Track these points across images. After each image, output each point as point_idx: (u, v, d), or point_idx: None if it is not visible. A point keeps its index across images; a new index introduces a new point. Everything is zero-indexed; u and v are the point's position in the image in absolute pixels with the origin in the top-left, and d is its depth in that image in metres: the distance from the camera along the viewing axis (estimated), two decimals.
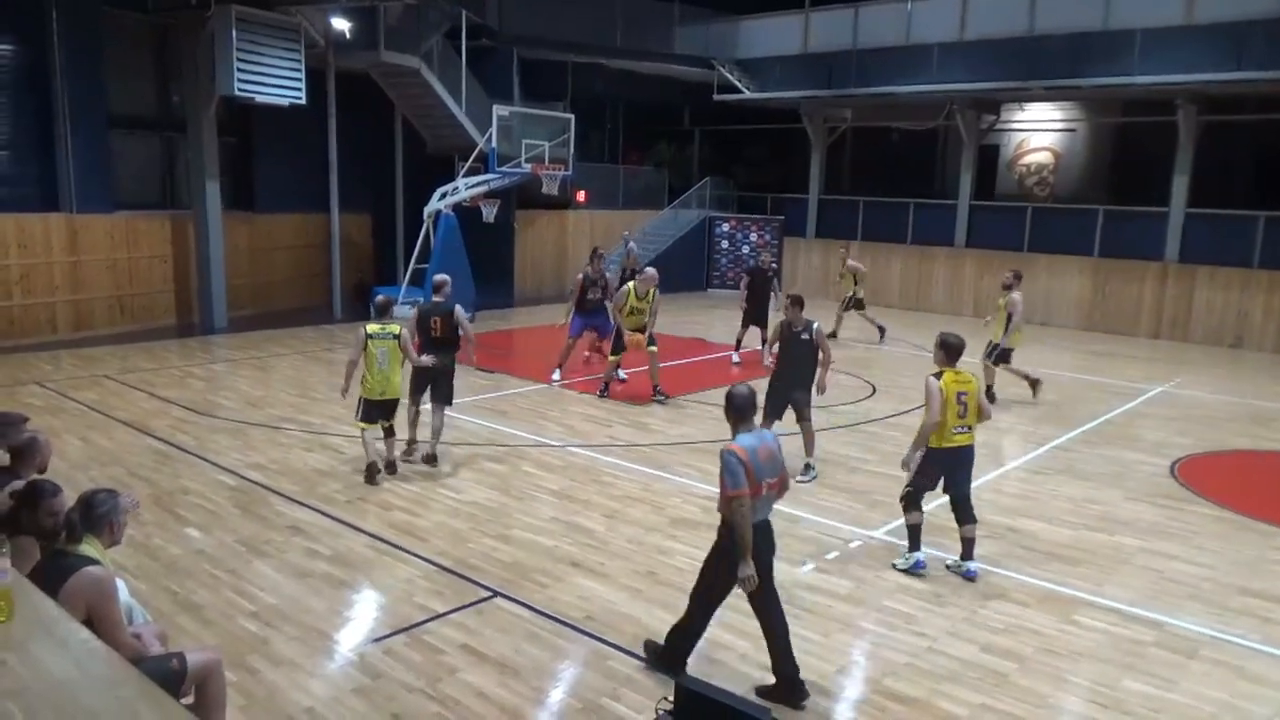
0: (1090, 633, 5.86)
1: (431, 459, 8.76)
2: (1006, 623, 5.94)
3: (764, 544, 4.94)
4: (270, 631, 5.54)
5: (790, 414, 8.75)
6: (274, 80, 15.04)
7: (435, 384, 8.70)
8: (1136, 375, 14.64)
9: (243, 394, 11.60)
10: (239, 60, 14.36)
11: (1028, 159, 23.11)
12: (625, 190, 24.24)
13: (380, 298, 8.44)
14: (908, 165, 24.93)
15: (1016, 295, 11.57)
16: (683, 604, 5.35)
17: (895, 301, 22.23)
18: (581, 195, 22.29)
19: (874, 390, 12.82)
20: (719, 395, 12.28)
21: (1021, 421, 11.55)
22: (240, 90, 14.52)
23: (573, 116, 18.74)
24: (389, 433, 8.47)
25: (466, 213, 17.63)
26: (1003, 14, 19.47)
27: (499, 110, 17.14)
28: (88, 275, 15.13)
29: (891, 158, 25.22)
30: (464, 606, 5.96)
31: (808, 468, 8.87)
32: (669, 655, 5.22)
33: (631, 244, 16.44)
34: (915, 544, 6.70)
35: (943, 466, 6.60)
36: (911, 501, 6.69)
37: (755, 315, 14.23)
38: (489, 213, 17.73)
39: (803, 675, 5.03)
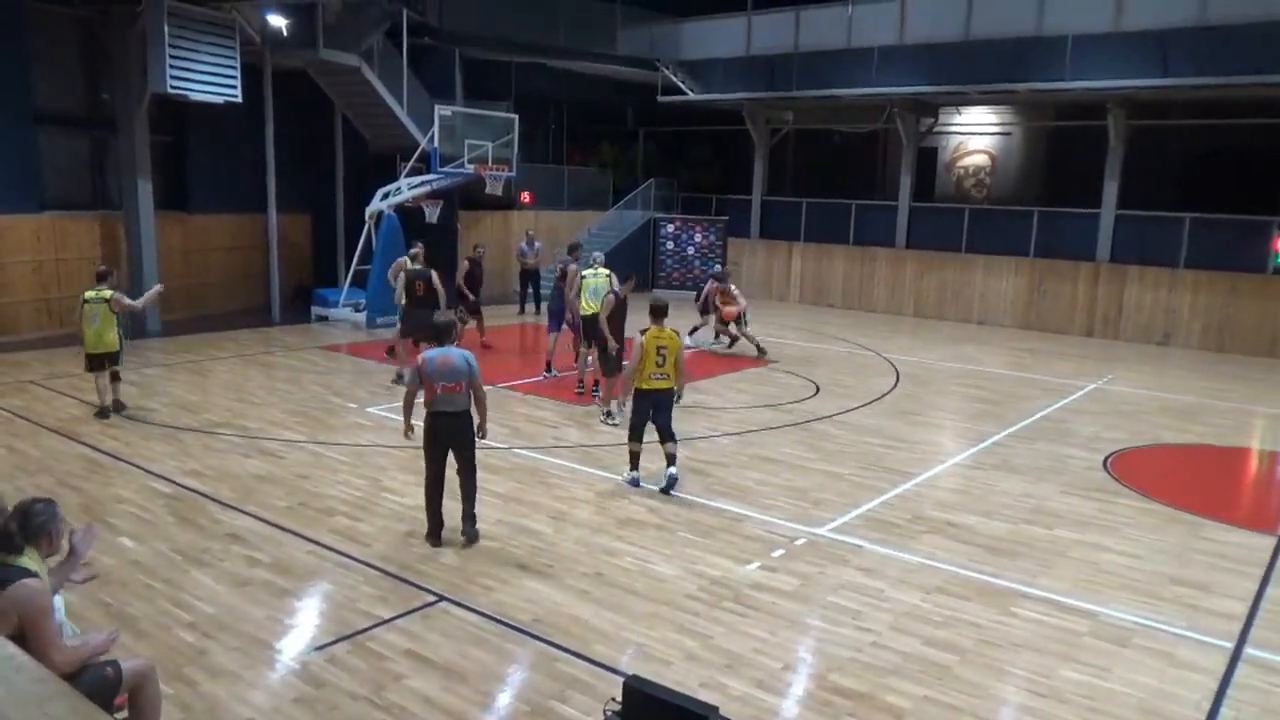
0: (1028, 624, 5.99)
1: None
2: (947, 616, 6.05)
3: (445, 429, 6.92)
4: (208, 642, 5.40)
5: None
6: (208, 77, 14.69)
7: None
8: (1070, 372, 15.02)
9: (177, 399, 11.29)
10: (171, 56, 14.00)
11: (965, 161, 23.59)
12: (569, 191, 24.17)
13: (100, 267, 10.33)
14: (849, 167, 25.30)
15: (728, 284, 15.61)
16: (632, 605, 5.52)
17: (838, 301, 22.61)
18: (526, 196, 22.19)
19: (818, 389, 12.97)
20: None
21: (959, 418, 11.81)
22: (173, 87, 14.17)
23: (516, 117, 18.63)
24: (114, 377, 10.20)
25: (409, 213, 17.42)
26: (940, 19, 19.90)
27: (441, 110, 16.97)
28: (12, 277, 14.62)
29: (833, 159, 25.56)
30: (409, 612, 5.88)
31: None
32: (431, 528, 6.97)
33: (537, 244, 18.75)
34: (634, 466, 8.47)
35: (648, 403, 8.30)
36: (634, 434, 8.41)
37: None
38: (432, 213, 17.57)
39: (748, 672, 5.16)
